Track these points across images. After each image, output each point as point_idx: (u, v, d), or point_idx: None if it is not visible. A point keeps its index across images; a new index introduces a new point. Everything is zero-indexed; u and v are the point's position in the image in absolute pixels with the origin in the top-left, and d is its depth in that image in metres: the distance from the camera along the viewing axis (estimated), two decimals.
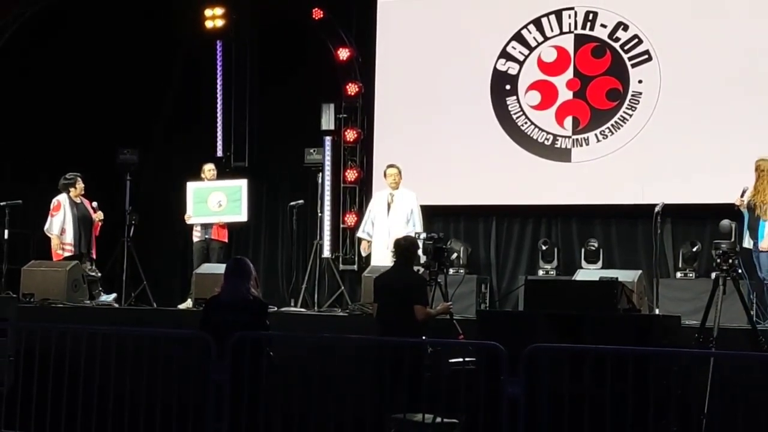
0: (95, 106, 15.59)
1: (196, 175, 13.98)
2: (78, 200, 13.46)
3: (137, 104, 15.57)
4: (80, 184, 13.48)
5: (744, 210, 11.30)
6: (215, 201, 13.69)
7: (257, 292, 8.73)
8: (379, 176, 13.56)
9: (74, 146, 15.41)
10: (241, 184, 13.90)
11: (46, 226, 13.30)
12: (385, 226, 12.63)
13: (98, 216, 13.54)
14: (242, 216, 13.89)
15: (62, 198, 13.38)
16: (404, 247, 9.60)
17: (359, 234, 13.23)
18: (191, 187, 13.72)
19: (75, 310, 12.40)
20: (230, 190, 13.81)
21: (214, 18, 15.74)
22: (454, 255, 13.68)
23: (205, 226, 13.69)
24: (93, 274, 13.38)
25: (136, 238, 13.95)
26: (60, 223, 13.25)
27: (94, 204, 13.63)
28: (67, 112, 15.61)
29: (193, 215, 13.64)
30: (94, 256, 13.54)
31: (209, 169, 13.94)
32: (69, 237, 13.27)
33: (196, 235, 13.74)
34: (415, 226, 12.66)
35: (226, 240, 13.82)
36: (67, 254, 13.26)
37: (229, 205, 13.71)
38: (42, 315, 12.01)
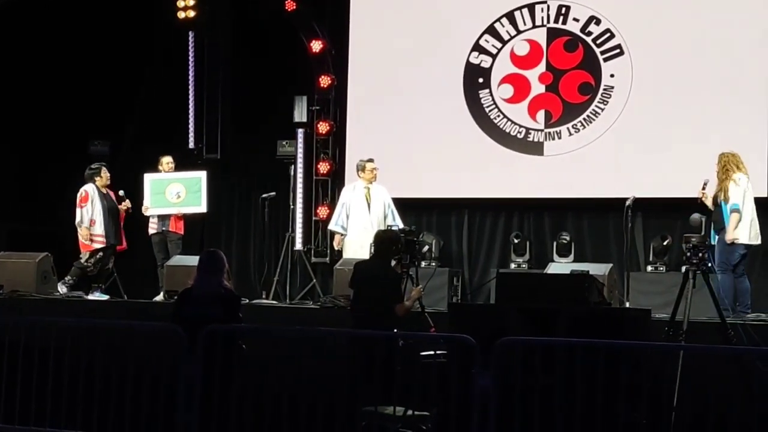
0: (67, 97, 15.51)
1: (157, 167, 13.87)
2: (104, 191, 13.35)
3: (109, 95, 15.49)
4: (105, 174, 13.34)
5: (708, 204, 11.37)
6: (174, 192, 13.59)
7: (229, 284, 8.71)
8: (352, 169, 13.57)
9: (45, 137, 15.36)
10: (201, 176, 13.82)
11: (77, 219, 13.10)
12: (368, 222, 12.52)
13: (125, 205, 13.46)
14: (202, 207, 13.80)
15: (89, 188, 13.20)
16: (385, 240, 9.70)
17: (332, 227, 13.13)
18: (148, 178, 13.62)
19: (45, 301, 12.35)
20: (189, 181, 13.71)
21: (186, 8, 15.66)
22: (426, 248, 13.69)
23: (163, 218, 13.57)
24: (109, 266, 13.39)
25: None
26: (89, 215, 13.09)
27: (121, 193, 13.55)
28: (39, 103, 15.53)
29: (151, 206, 13.54)
30: (125, 246, 13.49)
31: (167, 162, 13.80)
32: (99, 228, 13.14)
33: (153, 227, 13.59)
34: (395, 220, 12.66)
35: (182, 232, 13.73)
36: (97, 245, 13.15)
37: (188, 196, 13.61)
38: (11, 306, 11.95)
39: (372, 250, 9.80)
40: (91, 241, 13.13)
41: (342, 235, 12.90)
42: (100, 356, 8.44)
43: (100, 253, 13.12)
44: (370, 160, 12.89)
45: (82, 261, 13.09)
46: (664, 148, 13.32)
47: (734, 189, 11.06)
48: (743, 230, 11.06)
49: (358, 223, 12.66)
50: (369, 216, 12.67)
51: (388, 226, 12.18)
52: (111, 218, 13.23)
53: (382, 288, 9.30)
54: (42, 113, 15.53)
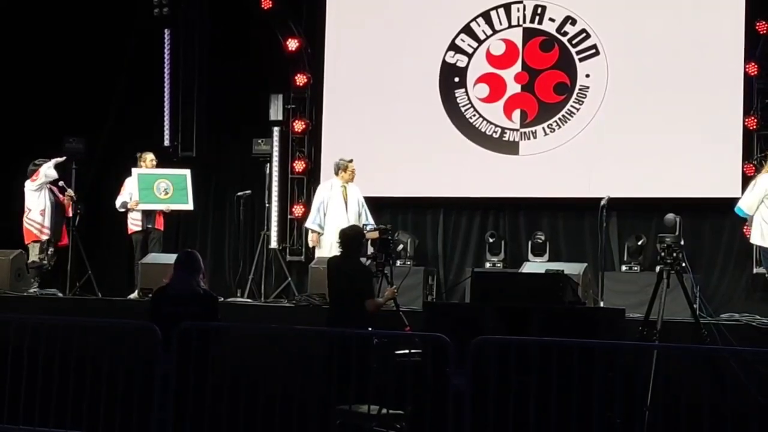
0: (42, 94, 15.43)
1: (136, 164, 13.82)
2: (48, 187, 13.39)
3: (84, 93, 15.42)
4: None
5: None
6: (161, 188, 13.56)
7: (204, 284, 8.72)
8: (328, 167, 13.59)
9: (20, 134, 15.27)
10: (186, 173, 13.82)
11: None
12: (345, 220, 12.49)
13: (68, 194, 13.45)
14: (189, 205, 13.82)
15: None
16: (351, 237, 9.75)
17: (310, 225, 13.11)
18: (136, 172, 13.58)
19: (18, 299, 12.29)
20: (176, 178, 13.69)
21: (162, 6, 15.58)
22: (400, 247, 13.69)
23: (148, 215, 13.52)
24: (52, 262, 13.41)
25: (81, 227, 13.82)
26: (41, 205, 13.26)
27: (61, 183, 13.51)
28: (13, 99, 15.44)
29: (141, 201, 13.48)
30: (66, 242, 13.48)
31: (151, 159, 13.76)
32: (47, 220, 13.20)
33: (136, 225, 13.43)
34: (368, 219, 12.69)
35: (163, 228, 13.72)
36: (45, 237, 13.16)
37: (175, 193, 13.59)
38: None
39: (340, 249, 9.88)
40: (41, 231, 13.17)
41: (319, 233, 12.92)
42: (75, 354, 8.41)
43: (51, 249, 13.10)
44: (351, 161, 12.89)
45: (36, 259, 13.05)
46: (639, 148, 13.37)
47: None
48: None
49: (336, 221, 12.64)
50: (346, 214, 12.70)
51: (363, 225, 12.19)
52: (56, 215, 13.27)
53: (352, 282, 9.42)
54: (16, 110, 15.44)
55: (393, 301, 10.18)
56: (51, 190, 13.34)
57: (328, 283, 9.76)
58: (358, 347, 8.10)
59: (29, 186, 13.29)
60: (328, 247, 12.55)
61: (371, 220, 12.65)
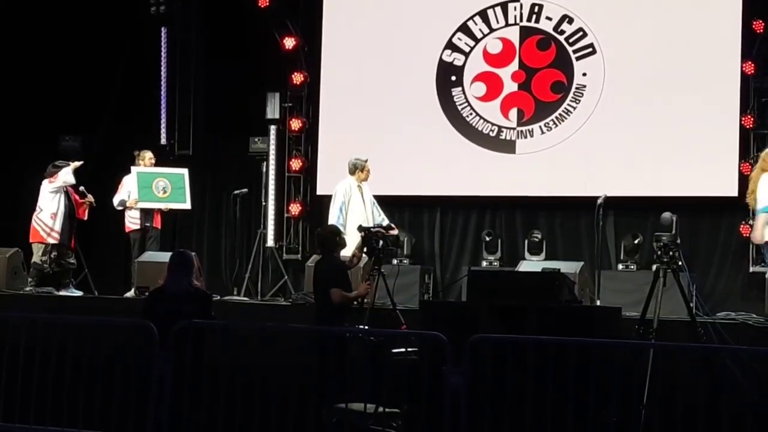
0: (38, 92, 15.42)
1: (134, 163, 13.81)
2: (64, 189, 13.35)
3: (81, 91, 15.41)
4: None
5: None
6: (160, 187, 13.56)
7: (200, 283, 8.74)
8: (324, 165, 13.55)
9: (16, 132, 15.27)
10: (184, 172, 13.83)
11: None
12: (364, 219, 12.42)
13: (88, 200, 13.45)
14: (187, 204, 13.83)
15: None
16: (324, 237, 9.99)
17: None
18: (135, 171, 13.57)
19: (14, 297, 12.29)
20: (174, 177, 13.71)
21: (159, 4, 15.57)
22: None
23: (147, 213, 13.53)
24: (72, 261, 13.34)
25: (79, 224, 13.81)
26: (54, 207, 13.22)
27: (81, 188, 13.49)
28: (9, 97, 15.43)
29: (140, 200, 13.47)
30: (72, 246, 13.46)
31: (150, 157, 13.76)
32: (58, 224, 13.15)
33: (135, 223, 13.46)
34: (380, 216, 12.64)
35: (160, 227, 13.73)
36: (52, 241, 13.11)
37: (174, 192, 13.60)
38: None
39: (319, 251, 10.01)
40: (49, 234, 13.11)
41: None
42: (71, 352, 8.40)
43: (55, 252, 13.07)
44: (366, 160, 12.80)
45: (36, 261, 13.04)
46: (636, 146, 13.38)
47: (763, 189, 10.59)
48: None
49: (358, 220, 12.53)
50: (365, 213, 12.65)
51: (377, 224, 12.16)
52: (69, 218, 13.22)
53: (323, 282, 9.63)
54: (12, 108, 15.43)
55: (389, 299, 10.21)
56: (66, 193, 13.31)
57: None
58: (334, 343, 8.16)
59: (46, 187, 13.24)
60: (348, 247, 12.52)
61: (384, 218, 12.61)
